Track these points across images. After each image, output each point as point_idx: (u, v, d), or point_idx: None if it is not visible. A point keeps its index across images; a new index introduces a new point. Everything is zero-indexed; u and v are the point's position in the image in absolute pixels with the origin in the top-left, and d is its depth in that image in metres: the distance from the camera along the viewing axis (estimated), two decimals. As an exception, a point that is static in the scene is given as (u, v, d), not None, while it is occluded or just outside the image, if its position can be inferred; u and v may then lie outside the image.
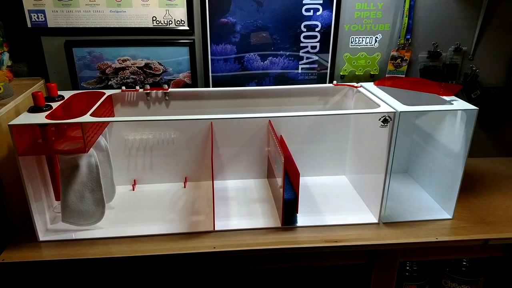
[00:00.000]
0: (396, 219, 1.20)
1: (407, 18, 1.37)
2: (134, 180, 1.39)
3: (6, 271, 1.03)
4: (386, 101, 1.15)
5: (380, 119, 1.09)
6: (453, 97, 1.16)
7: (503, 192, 1.36)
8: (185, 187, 1.39)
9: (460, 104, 1.12)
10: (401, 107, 1.10)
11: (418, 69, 1.46)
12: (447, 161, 1.21)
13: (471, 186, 1.39)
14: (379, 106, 1.12)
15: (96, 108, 1.12)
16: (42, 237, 1.10)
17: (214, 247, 1.07)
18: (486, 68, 1.47)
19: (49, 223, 1.16)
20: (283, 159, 1.09)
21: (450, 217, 1.21)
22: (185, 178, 1.41)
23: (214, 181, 1.40)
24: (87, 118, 1.02)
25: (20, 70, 1.39)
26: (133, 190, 1.37)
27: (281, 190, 1.13)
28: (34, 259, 1.03)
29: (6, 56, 1.29)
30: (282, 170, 1.10)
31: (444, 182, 1.24)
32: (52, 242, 1.09)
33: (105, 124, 1.21)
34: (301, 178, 1.42)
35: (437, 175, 1.29)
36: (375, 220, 1.19)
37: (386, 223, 1.19)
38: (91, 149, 1.09)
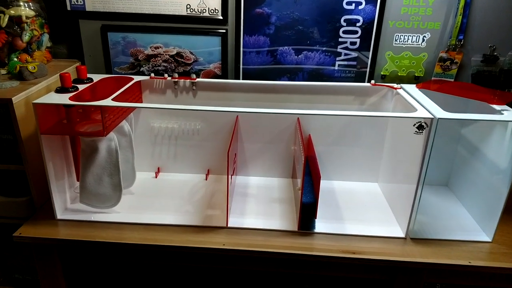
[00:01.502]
0: (426, 235, 1.09)
1: (461, 17, 1.24)
2: (158, 168, 1.39)
3: (22, 245, 1.05)
4: (425, 106, 1.04)
5: (415, 124, 0.98)
6: (505, 107, 1.03)
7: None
8: (206, 179, 1.36)
9: (510, 114, 0.99)
10: (440, 113, 0.98)
11: (469, 73, 1.32)
12: (492, 178, 1.07)
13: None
14: (416, 110, 1.01)
15: (122, 93, 1.12)
16: (59, 215, 1.12)
17: (224, 244, 1.03)
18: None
19: (69, 202, 1.18)
20: (303, 159, 1.02)
21: (489, 239, 1.08)
22: (208, 170, 1.39)
23: (236, 176, 1.38)
24: (107, 102, 1.01)
25: (59, 51, 1.44)
26: (156, 177, 1.37)
27: (300, 192, 1.06)
28: (48, 236, 1.05)
29: (46, 38, 1.33)
30: (302, 171, 1.04)
31: (486, 200, 1.11)
32: (69, 222, 1.11)
33: (130, 109, 1.21)
34: (328, 182, 1.36)
35: (479, 192, 1.15)
36: (401, 234, 1.09)
37: (414, 238, 1.08)
38: (112, 133, 1.09)
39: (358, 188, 1.34)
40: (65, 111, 1.09)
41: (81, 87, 1.12)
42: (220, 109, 1.04)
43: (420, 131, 0.98)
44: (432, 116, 0.96)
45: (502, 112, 1.00)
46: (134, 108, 1.25)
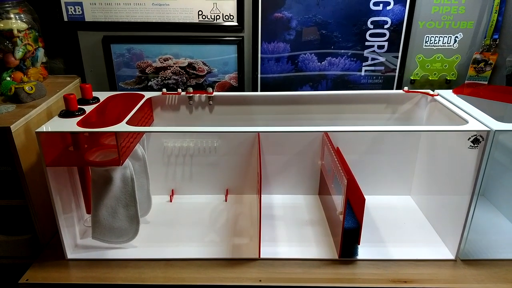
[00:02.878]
0: (477, 255, 1.00)
1: (496, 14, 1.15)
2: (172, 190, 1.27)
3: (30, 291, 0.93)
4: (473, 115, 0.94)
5: (469, 138, 0.89)
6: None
7: None
8: (226, 200, 1.25)
9: None
10: (495, 124, 0.89)
11: (504, 75, 1.23)
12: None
13: None
14: (466, 122, 0.92)
15: (134, 113, 1.00)
16: (70, 254, 0.99)
17: (260, 280, 0.92)
18: None
19: (78, 238, 1.05)
20: (346, 182, 0.91)
21: (544, 257, 0.99)
22: (227, 190, 1.27)
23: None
24: (122, 126, 0.89)
25: (56, 66, 1.30)
26: (171, 201, 1.24)
27: (341, 216, 0.95)
28: (60, 281, 0.92)
29: (41, 52, 1.19)
30: (344, 196, 0.93)
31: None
32: (81, 262, 0.98)
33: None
34: (358, 197, 1.26)
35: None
36: (451, 256, 1.00)
37: (465, 260, 0.99)
38: (127, 159, 0.97)
39: (391, 202, 1.24)
40: (72, 137, 0.96)
41: (88, 108, 0.99)
42: (241, 129, 0.95)
43: (476, 145, 0.88)
44: (488, 129, 0.87)
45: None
46: (146, 128, 1.13)
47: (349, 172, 0.95)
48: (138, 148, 1.06)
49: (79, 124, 0.90)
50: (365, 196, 1.25)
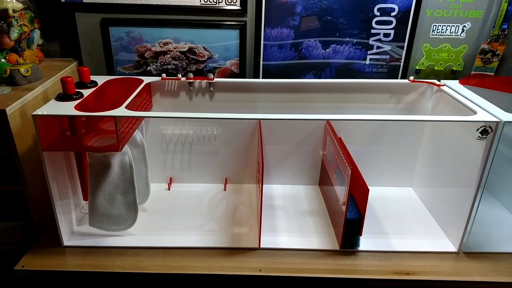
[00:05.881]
0: (480, 248, 0.99)
1: (506, 4, 1.12)
2: (170, 178, 1.24)
3: (26, 278, 0.91)
4: (482, 106, 0.92)
5: (478, 129, 0.87)
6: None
7: None
8: (225, 189, 1.23)
9: None
10: (504, 115, 0.87)
11: (511, 66, 1.21)
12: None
13: None
14: (475, 112, 0.89)
15: (133, 98, 0.97)
16: (66, 241, 0.97)
17: (260, 270, 0.90)
18: None
19: (75, 225, 1.03)
20: (350, 172, 0.89)
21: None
22: (226, 179, 1.25)
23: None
24: (121, 111, 0.86)
25: (52, 49, 1.26)
26: (169, 189, 1.22)
27: (343, 207, 0.94)
28: (56, 268, 0.90)
29: (37, 34, 1.16)
30: (347, 186, 0.91)
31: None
32: (78, 249, 0.96)
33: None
34: (359, 187, 1.24)
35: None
36: (453, 249, 0.99)
37: (467, 253, 0.98)
38: (125, 145, 0.94)
39: (393, 194, 1.23)
40: (69, 121, 0.93)
41: (86, 92, 0.96)
42: (242, 116, 0.91)
43: (484, 136, 0.86)
44: (497, 120, 0.85)
45: None
46: (145, 113, 1.10)
47: (352, 162, 0.93)
48: (137, 135, 1.03)
49: (77, 107, 0.87)
50: (369, 188, 1.24)
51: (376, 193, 1.22)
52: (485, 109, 0.91)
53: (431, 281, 0.89)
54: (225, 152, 1.21)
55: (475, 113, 0.89)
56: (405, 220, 1.10)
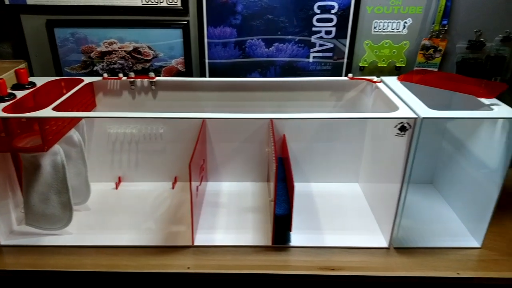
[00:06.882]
0: (411, 243, 1.00)
1: (445, 0, 1.12)
2: (119, 178, 1.26)
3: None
4: (407, 103, 0.93)
5: (396, 126, 0.88)
6: (494, 100, 0.93)
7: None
8: (173, 188, 1.24)
9: (502, 110, 0.89)
10: (424, 111, 0.88)
11: (454, 61, 1.22)
12: (481, 176, 0.98)
13: (509, 207, 1.14)
14: (397, 108, 0.90)
15: (69, 98, 0.99)
16: (3, 241, 0.99)
17: (188, 267, 0.92)
18: (541, 63, 1.20)
19: (15, 224, 1.05)
20: (274, 167, 0.91)
21: (478, 245, 0.99)
22: (175, 178, 1.27)
23: (208, 183, 1.26)
24: (46, 112, 0.88)
25: (4, 51, 1.28)
26: (116, 188, 1.24)
27: (272, 203, 0.95)
28: (-11, 267, 0.92)
29: (-18, 36, 1.17)
30: (274, 181, 0.93)
31: (475, 200, 1.01)
32: (14, 248, 0.98)
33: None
34: (306, 184, 1.25)
35: (467, 191, 1.06)
36: (385, 244, 1.00)
37: (398, 248, 0.99)
38: (57, 146, 0.96)
39: (337, 190, 1.24)
40: (2, 122, 0.95)
41: (21, 93, 0.98)
42: (183, 115, 0.92)
43: (403, 132, 0.87)
44: (416, 116, 0.85)
45: (491, 107, 0.90)
46: (86, 114, 1.11)
47: (284, 152, 0.94)
48: (74, 134, 1.05)
49: (7, 108, 0.89)
50: (313, 184, 1.26)
51: (323, 189, 1.23)
52: (409, 106, 0.91)
53: (355, 277, 0.91)
54: (173, 150, 1.22)
55: (398, 109, 0.90)
56: (345, 216, 1.11)
